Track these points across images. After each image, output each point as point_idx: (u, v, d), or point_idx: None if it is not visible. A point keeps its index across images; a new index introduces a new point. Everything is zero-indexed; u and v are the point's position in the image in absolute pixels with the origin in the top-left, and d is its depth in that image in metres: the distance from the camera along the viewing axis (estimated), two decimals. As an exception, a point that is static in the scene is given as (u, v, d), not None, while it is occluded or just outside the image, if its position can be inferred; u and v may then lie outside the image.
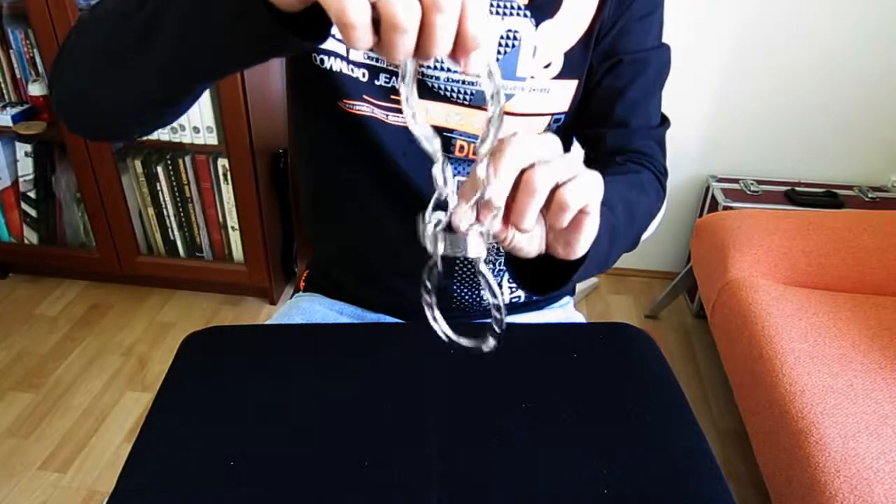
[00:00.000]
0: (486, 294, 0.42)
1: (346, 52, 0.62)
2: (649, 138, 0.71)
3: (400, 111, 0.65)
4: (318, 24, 0.37)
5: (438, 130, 0.67)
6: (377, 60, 0.63)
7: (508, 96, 0.65)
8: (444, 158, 0.40)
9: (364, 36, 0.32)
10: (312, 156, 0.75)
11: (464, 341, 0.45)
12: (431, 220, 0.42)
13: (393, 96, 0.65)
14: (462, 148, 0.68)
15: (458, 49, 0.34)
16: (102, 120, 0.53)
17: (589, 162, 0.70)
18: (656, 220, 1.44)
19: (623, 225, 0.55)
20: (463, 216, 0.40)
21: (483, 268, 0.41)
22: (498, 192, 0.39)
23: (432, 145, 0.39)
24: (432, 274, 0.44)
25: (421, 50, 0.33)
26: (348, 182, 0.71)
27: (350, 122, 0.65)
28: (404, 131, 0.66)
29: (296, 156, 0.85)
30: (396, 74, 0.64)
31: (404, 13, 0.31)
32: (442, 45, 0.33)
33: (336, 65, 0.63)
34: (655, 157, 0.71)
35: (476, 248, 0.41)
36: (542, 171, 0.39)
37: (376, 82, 0.64)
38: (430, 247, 0.42)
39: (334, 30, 0.62)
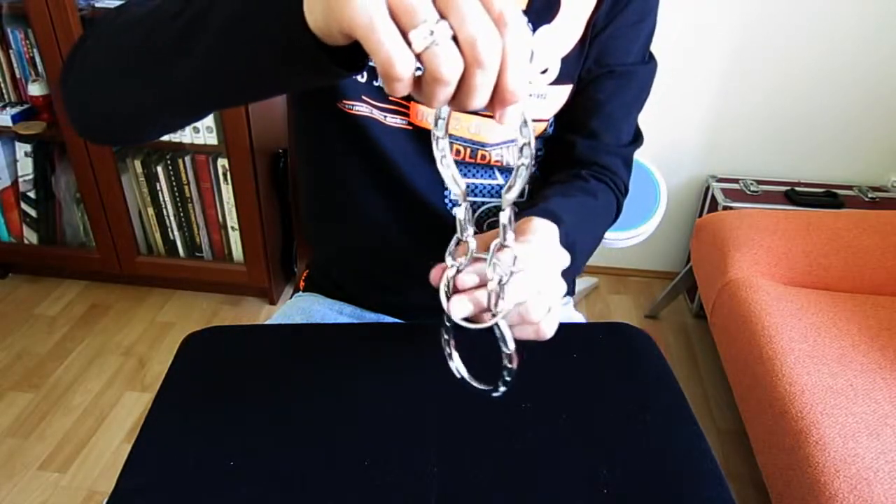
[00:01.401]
0: (500, 344, 0.43)
1: None
2: (617, 156, 0.72)
3: (399, 113, 0.65)
4: (355, 54, 0.37)
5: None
6: None
7: None
8: (468, 203, 0.41)
9: (406, 87, 0.33)
10: (312, 155, 0.75)
11: (475, 384, 0.47)
12: (450, 265, 0.44)
13: (392, 98, 0.64)
14: (458, 151, 0.68)
15: (496, 102, 0.34)
16: (115, 124, 0.52)
17: (550, 171, 0.72)
18: (653, 221, 1.44)
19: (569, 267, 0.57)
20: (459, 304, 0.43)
21: (500, 320, 0.42)
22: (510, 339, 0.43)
23: (459, 187, 0.40)
24: (446, 328, 0.45)
25: (458, 101, 0.34)
26: (348, 182, 0.71)
27: (349, 122, 0.65)
28: (403, 133, 0.66)
29: (296, 155, 0.85)
30: None
31: (448, 69, 0.32)
32: (480, 99, 0.34)
33: None
34: (620, 174, 0.72)
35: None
36: (550, 323, 0.46)
37: (375, 83, 0.64)
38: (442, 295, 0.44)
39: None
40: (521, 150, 0.37)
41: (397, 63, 0.31)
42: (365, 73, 0.63)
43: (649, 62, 0.70)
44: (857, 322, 1.23)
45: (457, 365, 0.47)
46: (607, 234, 1.40)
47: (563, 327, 0.74)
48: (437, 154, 0.39)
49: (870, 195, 1.76)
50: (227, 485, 0.51)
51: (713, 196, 1.78)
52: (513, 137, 0.69)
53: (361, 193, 0.71)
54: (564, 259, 0.50)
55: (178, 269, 1.86)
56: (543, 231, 0.50)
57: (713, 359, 1.76)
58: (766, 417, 1.10)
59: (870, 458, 0.94)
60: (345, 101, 0.64)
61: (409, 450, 0.55)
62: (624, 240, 1.41)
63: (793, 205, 1.70)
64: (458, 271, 0.43)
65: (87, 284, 1.99)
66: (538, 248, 0.48)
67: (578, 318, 0.84)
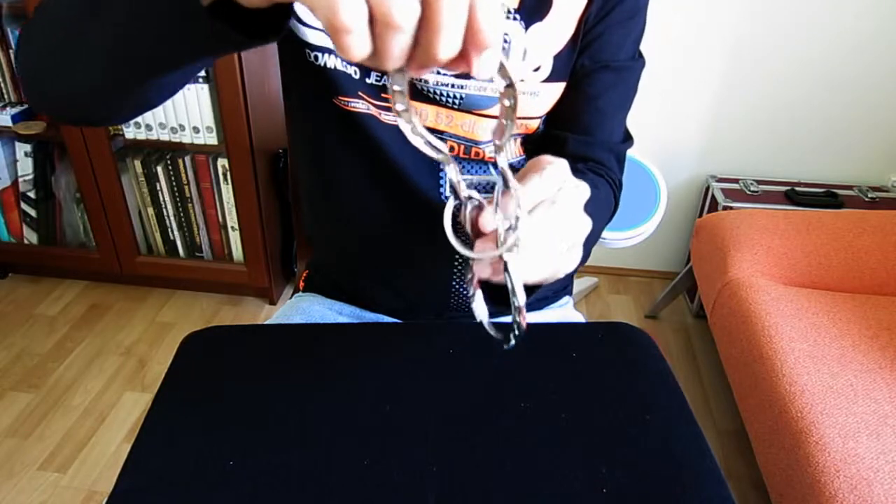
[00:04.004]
0: (511, 296, 0.40)
1: None
2: (609, 152, 0.71)
3: (391, 110, 0.65)
4: (279, 19, 0.34)
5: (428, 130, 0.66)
6: None
7: (496, 99, 0.64)
8: (454, 160, 0.39)
9: (361, 43, 0.27)
10: (310, 154, 0.75)
11: (492, 332, 0.44)
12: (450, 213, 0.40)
13: (385, 94, 0.64)
14: (452, 148, 0.68)
15: (469, 48, 0.29)
16: (64, 103, 0.50)
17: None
18: (653, 221, 1.44)
19: None
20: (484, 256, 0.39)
21: (510, 267, 0.39)
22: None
23: (440, 151, 0.36)
24: (468, 266, 0.42)
25: (422, 53, 0.29)
26: (347, 180, 0.71)
27: (347, 119, 0.65)
28: (398, 130, 0.66)
29: (294, 154, 0.85)
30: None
31: (399, 7, 0.26)
32: (447, 46, 0.28)
33: (331, 61, 0.63)
34: (613, 169, 0.72)
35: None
36: (569, 261, 0.42)
37: (367, 80, 0.64)
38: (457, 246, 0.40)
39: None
40: (505, 91, 0.34)
41: (342, 8, 0.26)
42: (357, 70, 0.63)
43: (639, 59, 0.71)
44: (857, 322, 1.23)
45: (477, 305, 0.43)
46: (607, 234, 1.40)
47: (563, 327, 0.74)
48: (404, 128, 0.34)
49: (870, 195, 1.76)
50: (227, 485, 0.51)
51: (713, 196, 1.78)
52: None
53: (360, 192, 0.71)
54: (584, 191, 0.44)
55: (178, 269, 1.86)
56: (559, 163, 0.44)
57: (713, 359, 1.76)
58: (766, 417, 1.10)
59: (870, 458, 0.94)
60: (341, 98, 0.64)
61: (408, 450, 0.55)
62: (624, 240, 1.41)
63: (793, 205, 1.70)
64: (478, 208, 0.39)
65: (87, 284, 1.99)
66: (559, 178, 0.42)
67: (578, 318, 0.84)
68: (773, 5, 1.64)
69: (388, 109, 0.65)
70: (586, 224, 0.43)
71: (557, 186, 0.42)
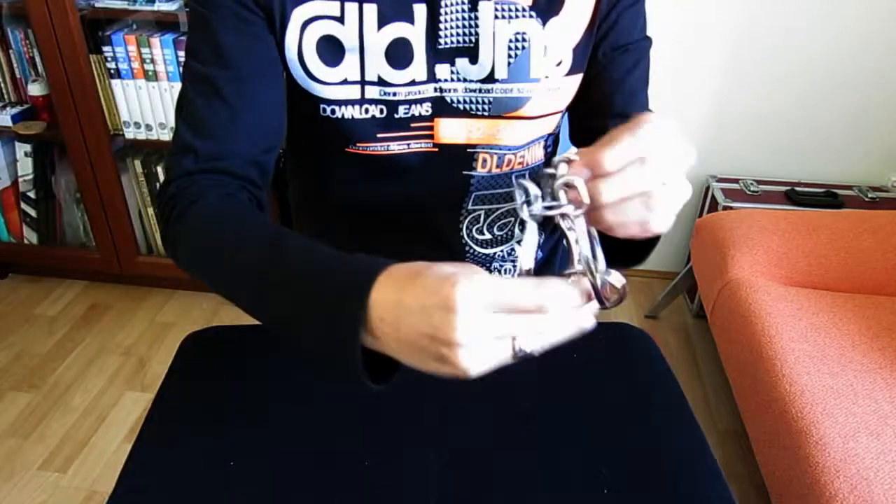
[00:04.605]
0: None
1: (360, 94, 0.62)
2: None
3: (423, 137, 0.65)
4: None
5: (462, 148, 0.67)
6: (394, 94, 0.63)
7: (525, 100, 0.65)
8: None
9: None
10: (318, 197, 0.75)
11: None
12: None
13: (414, 124, 0.64)
14: (485, 161, 0.68)
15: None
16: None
17: None
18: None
19: None
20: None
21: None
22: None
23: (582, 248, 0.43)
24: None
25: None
26: (350, 204, 0.72)
27: (362, 162, 0.66)
28: (426, 155, 0.66)
29: (297, 190, 0.84)
30: (415, 101, 0.63)
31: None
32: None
33: (348, 112, 0.62)
34: None
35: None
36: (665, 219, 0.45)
37: (396, 115, 0.64)
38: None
39: (343, 75, 0.62)
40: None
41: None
42: (384, 108, 0.63)
43: (648, 38, 0.71)
44: (857, 322, 1.23)
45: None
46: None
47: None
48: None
49: (870, 195, 1.76)
50: (228, 485, 0.51)
51: (713, 196, 1.78)
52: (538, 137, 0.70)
53: (364, 211, 0.71)
54: (690, 155, 0.46)
55: (178, 269, 1.85)
56: (659, 121, 0.45)
57: (713, 359, 1.76)
58: (766, 417, 1.10)
59: (870, 458, 0.94)
60: (358, 144, 0.64)
61: (409, 450, 0.55)
62: (624, 240, 1.41)
63: (793, 205, 1.70)
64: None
65: (87, 284, 1.99)
66: (656, 135, 0.44)
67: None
68: (774, 6, 1.64)
69: (419, 138, 0.65)
70: (687, 188, 0.46)
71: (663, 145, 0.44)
